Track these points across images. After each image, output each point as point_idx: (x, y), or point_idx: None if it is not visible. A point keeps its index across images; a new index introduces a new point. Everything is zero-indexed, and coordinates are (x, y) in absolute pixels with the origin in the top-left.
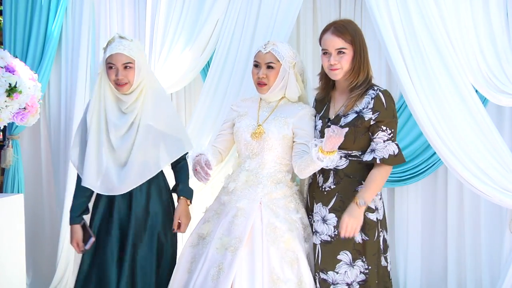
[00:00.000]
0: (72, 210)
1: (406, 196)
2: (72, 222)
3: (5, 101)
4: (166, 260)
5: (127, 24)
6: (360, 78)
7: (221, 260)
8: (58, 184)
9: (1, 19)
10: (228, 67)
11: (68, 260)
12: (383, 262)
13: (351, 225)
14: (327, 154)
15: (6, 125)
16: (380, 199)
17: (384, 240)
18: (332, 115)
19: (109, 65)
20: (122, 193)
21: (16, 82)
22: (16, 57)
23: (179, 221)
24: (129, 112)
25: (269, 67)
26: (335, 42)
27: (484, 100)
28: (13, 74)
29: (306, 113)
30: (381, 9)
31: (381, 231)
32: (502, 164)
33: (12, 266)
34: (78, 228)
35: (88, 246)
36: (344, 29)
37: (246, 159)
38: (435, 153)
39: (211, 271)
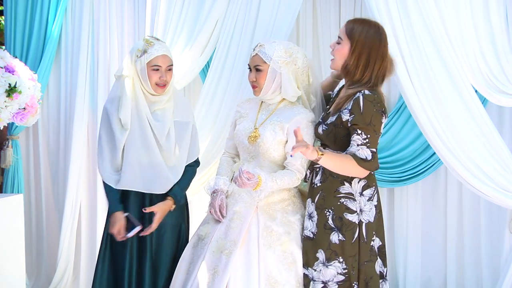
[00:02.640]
0: (111, 200)
1: (406, 196)
2: (115, 209)
3: (5, 101)
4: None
5: (127, 24)
6: (356, 78)
7: (216, 263)
8: (58, 184)
9: (1, 19)
10: (228, 67)
11: (68, 260)
12: (377, 268)
13: (304, 145)
14: (255, 189)
15: (6, 125)
16: (370, 200)
17: (381, 246)
18: (329, 110)
19: (155, 67)
20: (162, 192)
21: (16, 82)
22: (16, 57)
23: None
24: (164, 111)
25: (257, 70)
26: (341, 29)
27: (484, 100)
28: (13, 74)
29: (301, 119)
30: (381, 9)
31: (374, 234)
32: (502, 165)
33: (11, 267)
34: (120, 214)
35: (131, 234)
36: (353, 24)
37: (244, 161)
38: (435, 153)
39: (207, 273)
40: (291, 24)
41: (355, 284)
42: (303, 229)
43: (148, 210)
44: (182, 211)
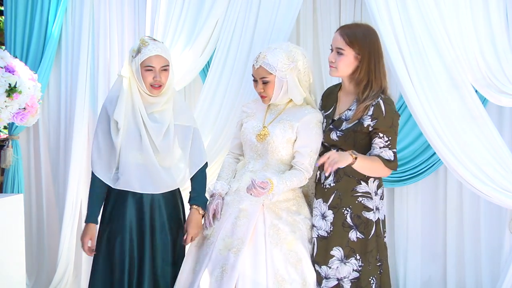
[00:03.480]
0: (93, 208)
1: (406, 196)
2: (92, 220)
3: (5, 101)
4: (179, 256)
5: (127, 25)
6: (366, 92)
7: (224, 261)
8: (58, 184)
9: (1, 19)
10: (228, 67)
11: (68, 260)
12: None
13: (333, 157)
14: (268, 193)
15: (6, 125)
16: (381, 199)
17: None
18: (336, 116)
19: (148, 67)
20: (162, 191)
21: (16, 82)
22: (16, 57)
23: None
24: (163, 113)
25: (264, 82)
26: (337, 40)
27: (484, 100)
28: (13, 74)
29: (311, 118)
30: (381, 9)
31: (385, 231)
32: (502, 165)
33: (11, 267)
34: (95, 228)
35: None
36: (350, 31)
37: (251, 160)
38: (435, 153)
39: (214, 272)
40: (291, 24)
41: (372, 279)
42: (309, 229)
43: (186, 238)
44: (178, 208)
